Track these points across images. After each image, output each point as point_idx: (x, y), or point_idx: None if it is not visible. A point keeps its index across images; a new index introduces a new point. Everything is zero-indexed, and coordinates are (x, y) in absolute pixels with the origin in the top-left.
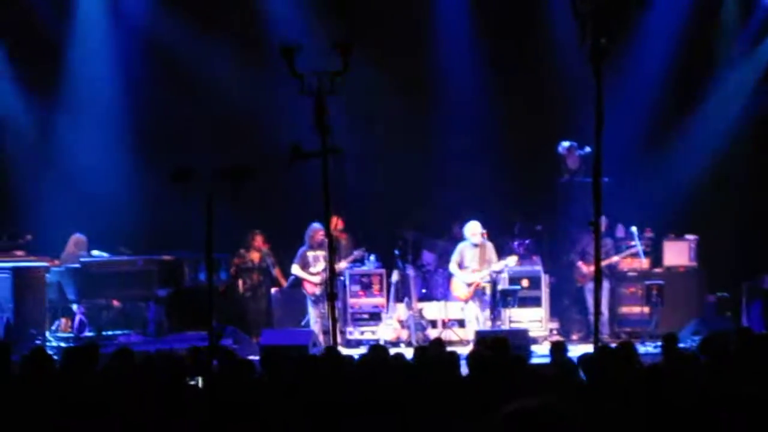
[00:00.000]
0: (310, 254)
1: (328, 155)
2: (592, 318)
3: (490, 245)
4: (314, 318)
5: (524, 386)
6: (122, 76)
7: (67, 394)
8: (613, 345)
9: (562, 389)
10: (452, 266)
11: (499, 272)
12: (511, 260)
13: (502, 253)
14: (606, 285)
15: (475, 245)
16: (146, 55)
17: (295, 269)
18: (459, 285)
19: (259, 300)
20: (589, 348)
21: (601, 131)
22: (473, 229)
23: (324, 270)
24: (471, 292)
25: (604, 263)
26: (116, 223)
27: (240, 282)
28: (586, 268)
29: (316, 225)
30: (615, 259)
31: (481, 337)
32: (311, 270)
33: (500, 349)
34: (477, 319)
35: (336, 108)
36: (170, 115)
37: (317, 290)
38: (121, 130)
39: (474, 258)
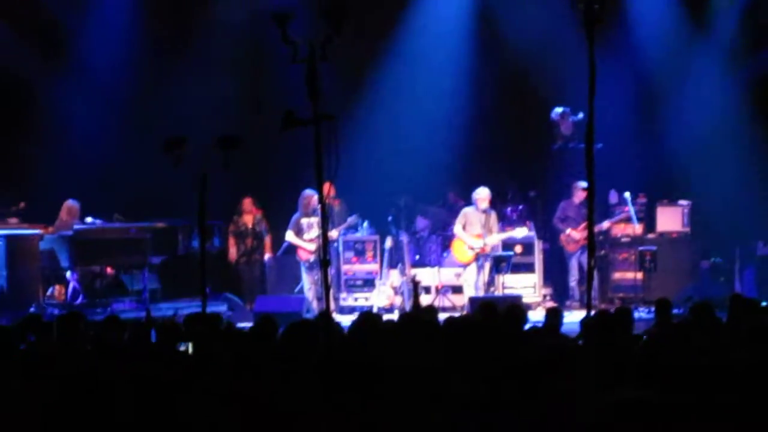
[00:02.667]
0: (304, 221)
1: (321, 122)
2: (574, 284)
3: (494, 214)
4: (308, 284)
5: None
6: (118, 44)
7: (60, 361)
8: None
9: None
10: (457, 228)
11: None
12: (520, 231)
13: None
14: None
15: (482, 211)
16: (142, 23)
17: (289, 236)
18: (462, 249)
19: (253, 266)
20: (580, 314)
21: (594, 97)
22: (482, 195)
23: (318, 236)
24: (473, 257)
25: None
26: (110, 190)
27: (234, 247)
28: (579, 234)
29: (309, 191)
30: (605, 225)
31: (481, 302)
32: (305, 237)
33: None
34: (475, 284)
35: (328, 75)
36: (164, 82)
37: (311, 257)
38: (115, 97)
39: (478, 224)
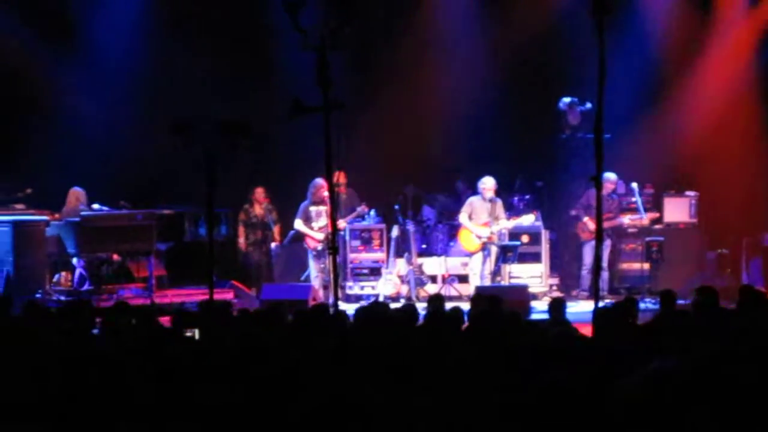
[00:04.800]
0: (313, 209)
1: (330, 110)
2: (586, 273)
3: (499, 202)
4: (315, 272)
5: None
6: (125, 28)
7: (63, 347)
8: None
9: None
10: (463, 217)
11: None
12: (527, 219)
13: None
14: (607, 242)
15: (488, 200)
16: (150, 8)
17: (298, 224)
18: (469, 237)
19: (261, 255)
20: (588, 304)
21: (604, 86)
22: (488, 185)
23: (327, 225)
24: (481, 245)
25: (612, 223)
26: (117, 177)
27: (243, 237)
28: (594, 224)
29: (320, 180)
30: (626, 221)
31: (478, 293)
32: (314, 225)
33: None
34: (481, 274)
35: (338, 63)
36: (172, 68)
37: (319, 245)
38: (122, 83)
39: (485, 213)
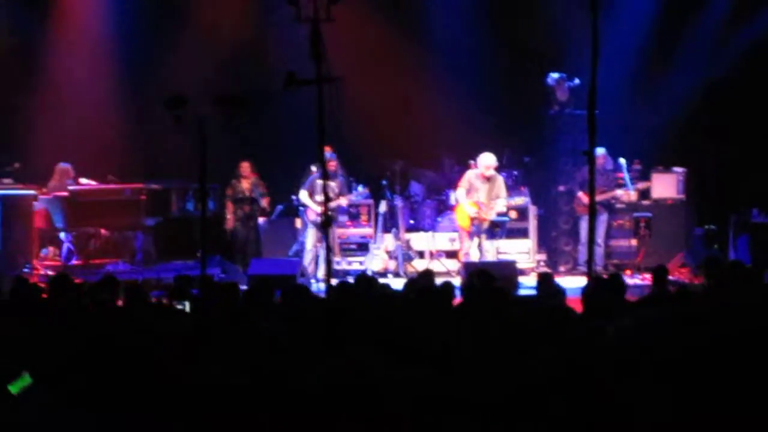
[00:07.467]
0: (320, 183)
1: (324, 83)
2: (581, 249)
3: (500, 180)
4: (311, 245)
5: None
6: (115, 2)
7: (53, 322)
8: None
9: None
10: (460, 192)
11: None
12: (518, 200)
13: None
14: (603, 217)
15: (486, 178)
16: None
17: (303, 195)
18: (464, 213)
19: (249, 230)
20: (576, 279)
21: (597, 62)
22: (487, 162)
23: (335, 196)
24: (471, 222)
25: (606, 195)
26: (105, 152)
27: (231, 212)
28: (588, 199)
29: (329, 155)
30: (619, 192)
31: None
32: (317, 198)
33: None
34: (486, 250)
35: (330, 36)
36: (163, 43)
37: (319, 218)
38: (111, 58)
39: (482, 192)
